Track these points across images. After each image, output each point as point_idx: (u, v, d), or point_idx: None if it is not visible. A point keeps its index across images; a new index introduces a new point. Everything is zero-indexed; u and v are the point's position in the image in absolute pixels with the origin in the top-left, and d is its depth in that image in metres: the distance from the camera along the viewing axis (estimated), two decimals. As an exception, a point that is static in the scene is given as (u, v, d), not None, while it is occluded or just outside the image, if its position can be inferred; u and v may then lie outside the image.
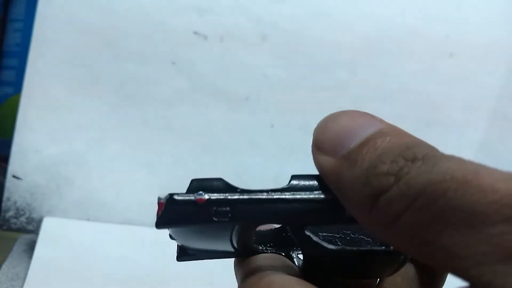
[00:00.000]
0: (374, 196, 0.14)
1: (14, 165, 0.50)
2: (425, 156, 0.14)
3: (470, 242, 0.12)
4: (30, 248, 0.45)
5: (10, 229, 0.50)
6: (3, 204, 0.50)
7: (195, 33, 0.54)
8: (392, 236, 0.14)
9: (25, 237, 0.48)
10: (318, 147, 0.17)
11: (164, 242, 0.56)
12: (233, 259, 0.20)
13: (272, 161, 0.58)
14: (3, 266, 0.42)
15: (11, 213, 0.50)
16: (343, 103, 0.59)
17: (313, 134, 0.17)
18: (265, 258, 0.19)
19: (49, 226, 0.48)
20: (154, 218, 0.51)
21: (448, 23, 0.61)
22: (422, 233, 0.13)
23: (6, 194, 0.50)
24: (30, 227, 0.50)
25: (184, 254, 0.19)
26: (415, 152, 0.14)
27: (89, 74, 0.52)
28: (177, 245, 0.19)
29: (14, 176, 0.50)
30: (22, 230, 0.50)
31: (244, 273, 0.18)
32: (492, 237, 0.11)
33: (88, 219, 0.51)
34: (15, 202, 0.50)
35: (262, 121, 0.57)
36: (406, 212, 0.13)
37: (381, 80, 0.60)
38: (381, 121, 0.16)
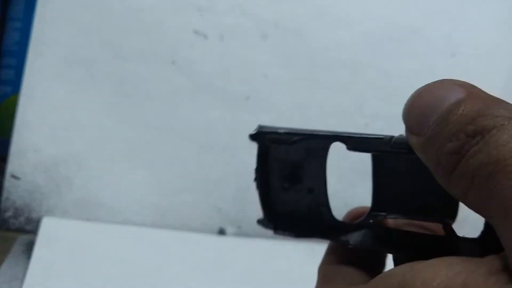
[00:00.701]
0: (446, 175, 0.15)
1: (13, 165, 0.50)
2: (484, 130, 0.14)
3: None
4: (29, 248, 0.45)
5: (8, 229, 0.50)
6: (2, 204, 0.50)
7: (195, 32, 0.54)
8: (466, 203, 0.15)
9: (24, 238, 0.48)
10: (407, 128, 0.17)
11: (164, 242, 0.56)
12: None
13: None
14: (2, 267, 0.42)
15: (9, 213, 0.50)
16: (344, 102, 0.59)
17: (402, 115, 0.18)
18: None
19: (48, 226, 0.48)
20: (153, 219, 0.50)
21: (450, 23, 0.61)
22: (482, 207, 0.14)
23: (4, 194, 0.50)
24: (29, 227, 0.50)
25: (271, 220, 0.19)
26: (477, 125, 0.14)
27: (88, 73, 0.52)
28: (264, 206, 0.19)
29: (13, 176, 0.50)
30: (21, 230, 0.50)
31: None
32: None
33: (88, 219, 0.51)
34: (14, 202, 0.50)
35: (262, 120, 0.56)
36: (470, 190, 0.14)
37: (383, 79, 0.60)
38: (462, 86, 0.16)
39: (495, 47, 0.63)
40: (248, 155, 0.58)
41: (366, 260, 0.20)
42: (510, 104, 0.15)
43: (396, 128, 0.20)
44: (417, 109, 0.17)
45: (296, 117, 0.58)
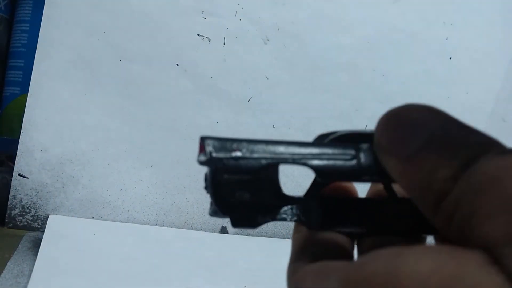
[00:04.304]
0: (437, 202, 0.14)
1: (20, 164, 0.50)
2: (474, 157, 0.14)
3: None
4: (36, 245, 0.45)
5: (16, 226, 0.50)
6: (9, 202, 0.50)
7: (199, 35, 0.54)
8: (446, 230, 0.14)
9: (30, 235, 0.49)
10: (380, 146, 0.16)
11: (167, 240, 0.56)
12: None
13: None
14: (9, 263, 0.42)
15: (17, 211, 0.50)
16: (343, 104, 0.59)
17: (375, 132, 0.16)
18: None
19: (54, 224, 0.48)
20: (156, 217, 0.51)
21: (448, 27, 0.62)
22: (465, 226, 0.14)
23: (12, 192, 0.50)
24: (35, 225, 0.50)
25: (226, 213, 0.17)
26: (467, 153, 0.14)
27: (94, 75, 0.52)
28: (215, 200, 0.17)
29: (20, 175, 0.50)
30: (27, 227, 0.50)
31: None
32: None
33: (93, 218, 0.52)
34: (21, 200, 0.50)
35: (264, 122, 0.57)
36: (457, 212, 0.14)
37: (381, 82, 0.60)
38: (435, 113, 0.16)
39: (492, 50, 0.63)
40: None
41: (337, 250, 0.18)
42: (481, 131, 0.15)
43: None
44: (393, 128, 0.16)
45: (297, 118, 0.58)
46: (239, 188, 0.17)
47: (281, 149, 0.17)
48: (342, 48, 0.58)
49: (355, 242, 0.19)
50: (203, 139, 0.17)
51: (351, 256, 0.18)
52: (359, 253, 0.19)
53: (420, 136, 0.15)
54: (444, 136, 0.15)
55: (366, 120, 0.60)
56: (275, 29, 0.56)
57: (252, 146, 0.17)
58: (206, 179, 0.17)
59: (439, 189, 0.14)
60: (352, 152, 0.17)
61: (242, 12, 0.55)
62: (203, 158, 0.16)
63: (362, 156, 0.17)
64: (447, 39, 0.61)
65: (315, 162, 0.17)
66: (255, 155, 0.17)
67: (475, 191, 0.13)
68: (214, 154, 0.16)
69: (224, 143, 0.17)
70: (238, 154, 0.17)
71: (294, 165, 0.17)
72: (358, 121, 0.60)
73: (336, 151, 0.17)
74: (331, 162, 0.17)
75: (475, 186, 0.13)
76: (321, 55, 0.58)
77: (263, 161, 0.17)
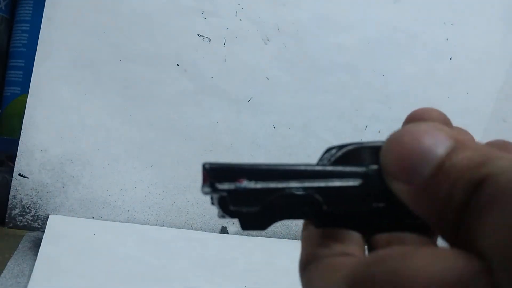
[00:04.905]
0: (454, 230, 0.14)
1: (21, 164, 0.50)
2: (488, 176, 0.14)
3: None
4: (36, 245, 0.45)
5: (16, 226, 0.50)
6: (10, 202, 0.50)
7: (199, 35, 0.54)
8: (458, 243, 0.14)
9: (30, 235, 0.49)
10: (389, 173, 0.16)
11: (167, 240, 0.56)
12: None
13: (274, 161, 0.58)
14: (9, 263, 0.42)
15: (17, 211, 0.50)
16: (343, 104, 0.59)
17: (381, 158, 0.16)
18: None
19: (54, 224, 0.48)
20: (157, 217, 0.51)
21: (448, 27, 0.62)
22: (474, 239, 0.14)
23: (12, 192, 0.50)
24: (35, 225, 0.51)
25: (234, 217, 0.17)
26: (483, 172, 0.14)
27: (94, 75, 0.52)
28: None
29: (20, 175, 0.50)
30: (28, 227, 0.50)
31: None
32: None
33: (93, 218, 0.52)
34: (21, 200, 0.50)
35: (265, 122, 0.57)
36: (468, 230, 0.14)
37: (381, 83, 0.60)
38: (447, 133, 0.15)
39: (492, 50, 0.63)
40: (251, 155, 0.58)
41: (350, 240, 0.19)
42: (491, 148, 0.15)
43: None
44: (401, 155, 0.15)
45: (297, 119, 0.58)
46: (246, 205, 0.17)
47: (286, 177, 0.17)
48: (342, 48, 0.58)
49: (366, 237, 0.20)
50: (205, 167, 0.17)
51: (361, 251, 0.19)
52: (369, 247, 0.19)
53: (428, 163, 0.15)
54: (452, 162, 0.15)
55: (366, 120, 0.60)
56: (275, 29, 0.56)
57: (256, 174, 0.17)
58: (212, 197, 0.17)
59: (455, 217, 0.14)
60: (360, 178, 0.17)
61: (242, 12, 0.55)
62: (207, 190, 0.16)
63: (371, 181, 0.17)
64: (447, 39, 0.61)
65: (323, 191, 0.17)
66: (259, 186, 0.17)
67: (481, 209, 0.13)
68: (218, 186, 0.16)
69: (227, 171, 0.16)
70: (243, 185, 0.16)
71: (300, 193, 0.17)
72: (358, 121, 0.60)
73: (343, 179, 0.17)
74: (338, 192, 0.17)
75: (481, 205, 0.13)
76: (321, 55, 0.58)
77: (268, 194, 0.17)
